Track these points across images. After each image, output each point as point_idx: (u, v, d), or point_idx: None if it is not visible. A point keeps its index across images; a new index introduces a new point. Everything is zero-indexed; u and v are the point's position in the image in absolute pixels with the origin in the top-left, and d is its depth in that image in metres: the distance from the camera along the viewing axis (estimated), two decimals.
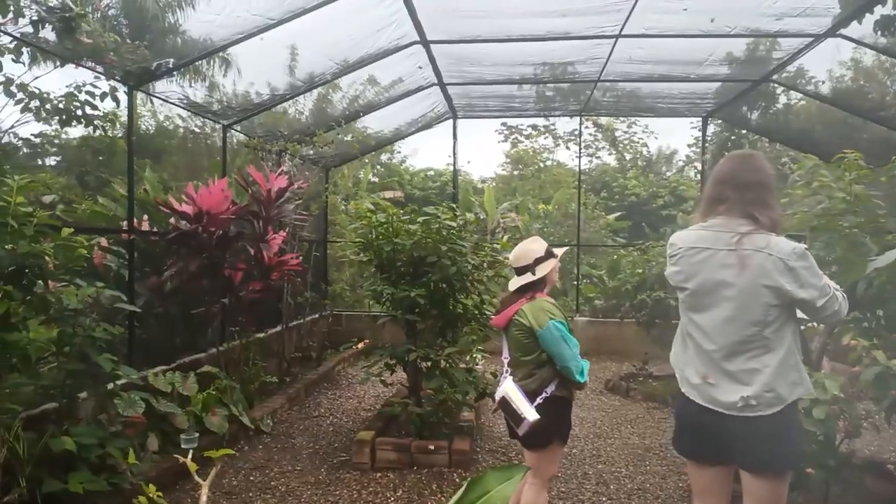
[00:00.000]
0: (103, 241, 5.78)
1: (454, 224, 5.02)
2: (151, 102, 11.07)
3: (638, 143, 17.76)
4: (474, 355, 5.96)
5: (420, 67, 7.33)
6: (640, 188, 16.31)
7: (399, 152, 20.22)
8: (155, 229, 6.16)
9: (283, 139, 7.40)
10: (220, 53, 6.81)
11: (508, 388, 3.30)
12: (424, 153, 31.22)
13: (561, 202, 13.37)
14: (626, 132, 17.05)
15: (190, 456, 2.43)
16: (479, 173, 22.37)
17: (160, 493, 2.48)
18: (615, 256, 9.88)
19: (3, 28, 4.27)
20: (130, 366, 4.63)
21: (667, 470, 4.86)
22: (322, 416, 6.27)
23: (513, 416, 3.26)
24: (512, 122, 16.26)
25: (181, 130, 13.09)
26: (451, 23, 6.33)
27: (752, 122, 9.53)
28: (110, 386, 4.24)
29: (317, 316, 9.03)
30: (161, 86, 6.10)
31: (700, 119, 9.84)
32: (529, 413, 3.18)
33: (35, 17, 4.40)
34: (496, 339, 5.74)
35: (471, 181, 17.53)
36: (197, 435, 4.80)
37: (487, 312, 5.36)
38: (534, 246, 3.47)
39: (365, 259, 5.50)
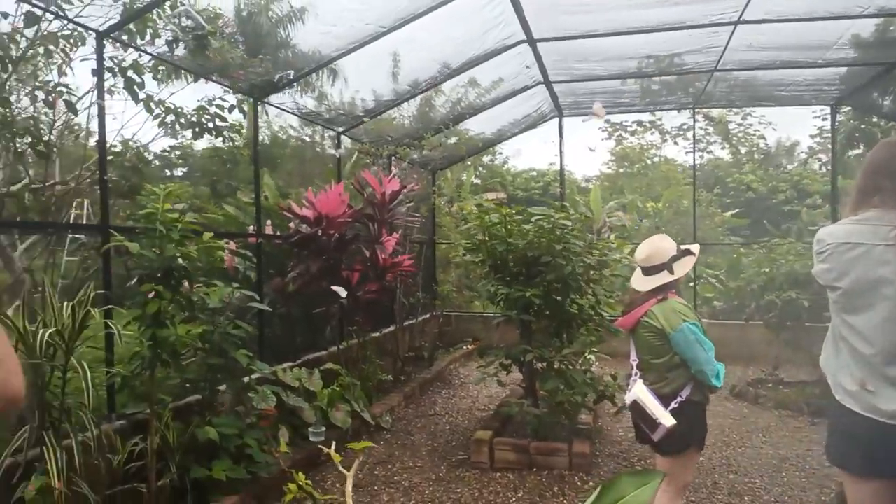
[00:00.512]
0: (231, 245, 6.16)
1: (568, 223, 4.94)
2: (266, 114, 11.70)
3: (754, 135, 16.78)
4: (588, 356, 5.84)
5: (528, 67, 7.28)
6: (758, 183, 15.41)
7: (501, 153, 20.20)
8: (277, 233, 6.48)
9: (393, 143, 7.58)
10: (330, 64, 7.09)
11: (640, 391, 3.17)
12: (527, 153, 31.04)
13: (671, 199, 12.86)
14: (740, 124, 16.16)
15: (333, 447, 2.52)
16: (582, 172, 21.97)
17: (309, 482, 2.59)
18: (735, 255, 9.36)
19: (143, 48, 4.63)
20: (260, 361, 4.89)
21: (807, 482, 4.54)
22: (438, 415, 6.35)
23: (646, 421, 3.13)
24: (616, 118, 15.81)
25: (293, 139, 13.76)
26: (557, 19, 6.24)
27: (884, 109, 8.74)
28: (246, 380, 4.49)
29: (428, 316, 9.18)
30: (276, 98, 6.43)
31: (825, 107, 9.14)
32: (665, 418, 3.04)
33: (170, 38, 4.76)
34: (610, 341, 5.62)
35: (575, 180, 17.24)
36: (324, 429, 5.01)
37: (603, 313, 5.23)
38: (666, 244, 3.31)
39: (477, 260, 5.53)
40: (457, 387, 7.55)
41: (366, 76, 7.04)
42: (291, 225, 6.18)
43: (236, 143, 5.84)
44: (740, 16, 6.02)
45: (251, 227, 6.15)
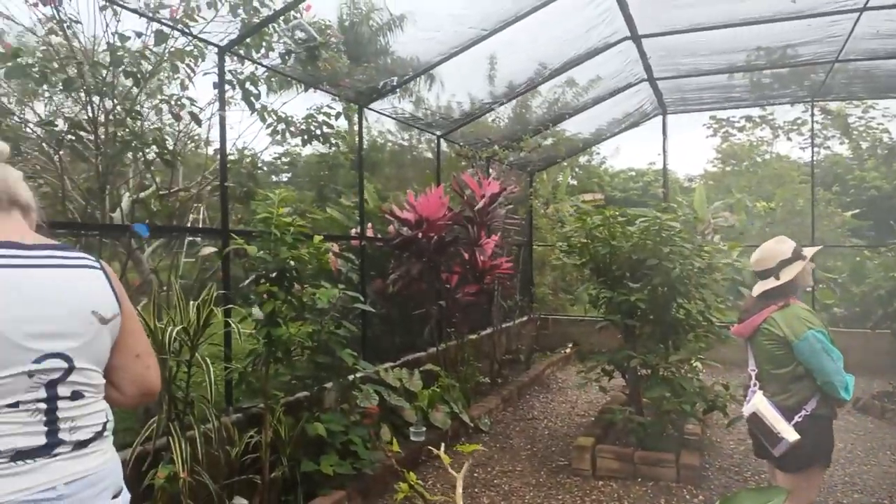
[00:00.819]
0: (335, 248, 6.37)
1: (676, 225, 4.76)
2: (367, 120, 12.04)
3: (877, 129, 15.48)
4: (694, 364, 5.60)
5: (634, 61, 7.07)
6: (882, 180, 14.22)
7: (598, 153, 19.77)
8: (378, 236, 6.65)
9: (491, 146, 7.58)
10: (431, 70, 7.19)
11: (760, 403, 2.99)
12: (625, 153, 30.20)
13: (784, 199, 12.10)
14: (860, 117, 14.96)
15: (442, 448, 2.54)
16: (685, 171, 21.10)
17: (420, 482, 2.62)
18: (858, 259, 8.69)
19: (259, 61, 4.86)
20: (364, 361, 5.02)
21: None
22: (536, 419, 6.29)
23: (766, 435, 2.95)
24: (722, 114, 15.05)
25: (391, 144, 14.07)
26: (663, 14, 6.04)
27: None
28: (350, 378, 4.62)
29: (525, 319, 9.12)
30: (377, 104, 6.59)
31: None
32: (788, 432, 2.86)
33: (283, 50, 4.98)
34: (720, 348, 5.35)
35: (677, 180, 16.59)
36: (424, 429, 5.08)
37: (713, 319, 4.99)
38: (778, 247, 3.12)
39: (577, 262, 5.43)
40: (555, 391, 7.45)
41: (464, 80, 7.09)
42: (391, 228, 6.32)
43: (341, 149, 6.03)
44: (867, 1, 5.59)
45: (354, 231, 6.34)
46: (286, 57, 5.02)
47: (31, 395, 1.44)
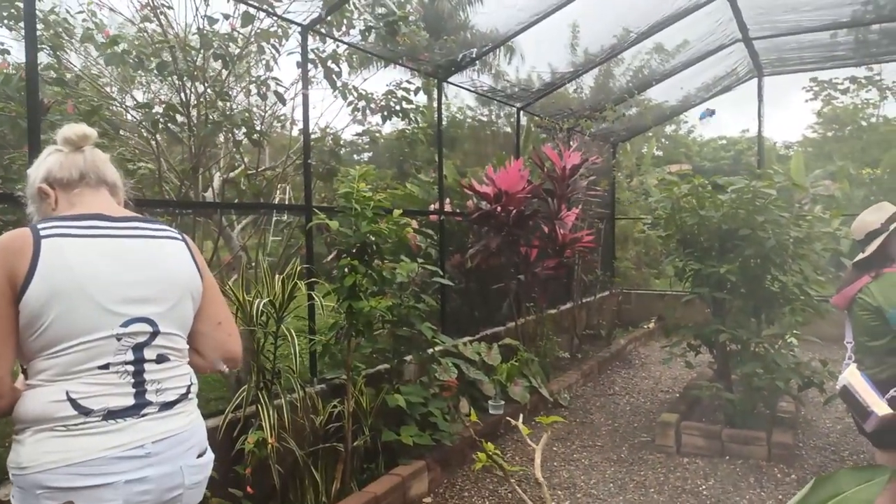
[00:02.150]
0: (414, 223, 6.42)
1: (772, 192, 4.49)
2: (445, 95, 12.00)
3: None
4: (788, 339, 5.31)
5: (727, 21, 6.69)
6: None
7: (686, 122, 18.92)
8: (457, 210, 6.65)
9: (573, 117, 7.40)
10: (510, 40, 7.06)
11: (851, 376, 2.84)
12: (715, 121, 28.67)
13: (892, 165, 11.19)
14: None
15: (521, 419, 2.55)
16: (782, 138, 19.86)
17: (498, 452, 2.64)
18: None
19: (340, 38, 4.92)
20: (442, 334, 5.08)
21: None
22: (617, 395, 6.18)
23: (856, 409, 2.80)
24: (823, 75, 13.98)
25: (469, 118, 13.99)
26: None
27: None
28: (430, 352, 4.69)
29: (606, 294, 8.94)
30: (456, 77, 6.54)
31: None
32: (878, 406, 2.69)
33: (363, 27, 5.02)
34: (819, 323, 5.05)
35: (772, 147, 15.65)
36: (503, 402, 5.10)
37: (811, 292, 4.71)
38: (869, 218, 2.99)
39: (662, 234, 5.24)
40: (637, 367, 7.28)
41: (544, 50, 6.92)
42: (470, 203, 6.31)
43: (420, 125, 6.05)
44: None
45: (432, 206, 6.37)
46: (366, 33, 5.05)
47: (120, 357, 1.54)
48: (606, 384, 6.56)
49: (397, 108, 5.69)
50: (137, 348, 1.57)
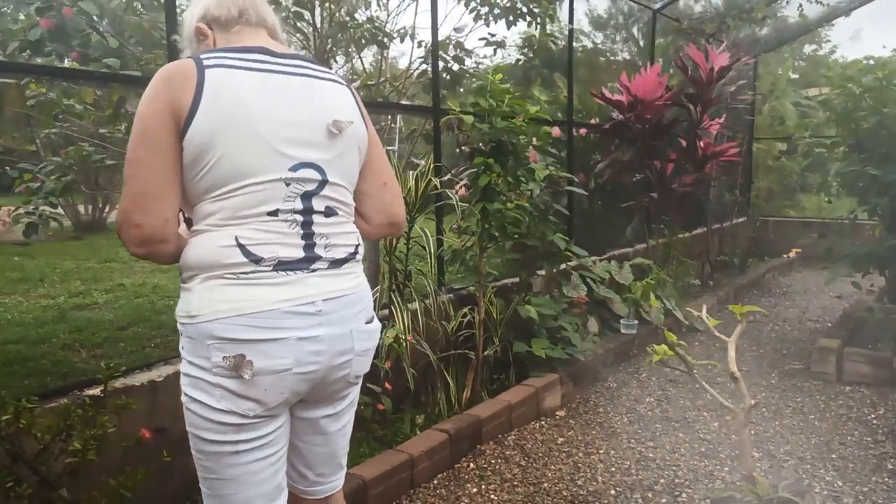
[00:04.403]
0: (534, 140, 6.07)
1: None
2: None
3: None
4: None
5: None
6: None
7: (828, 40, 17.03)
8: (585, 122, 6.21)
9: (716, 20, 6.66)
10: None
11: None
12: (864, 40, 25.58)
13: None
14: None
15: (704, 310, 2.27)
16: None
17: (682, 342, 2.42)
18: None
19: None
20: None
21: None
22: (759, 322, 5.71)
23: None
24: None
25: (600, 23, 13.07)
26: None
27: None
28: (562, 266, 4.45)
29: (741, 220, 8.26)
30: None
31: None
32: None
33: None
34: None
35: None
36: (637, 322, 4.81)
37: None
38: None
39: (827, 143, 4.64)
40: (778, 296, 6.71)
41: None
42: (593, 121, 5.87)
43: (546, 30, 5.63)
44: None
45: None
46: None
47: (289, 204, 1.38)
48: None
49: (524, 9, 5.30)
50: (306, 196, 1.41)
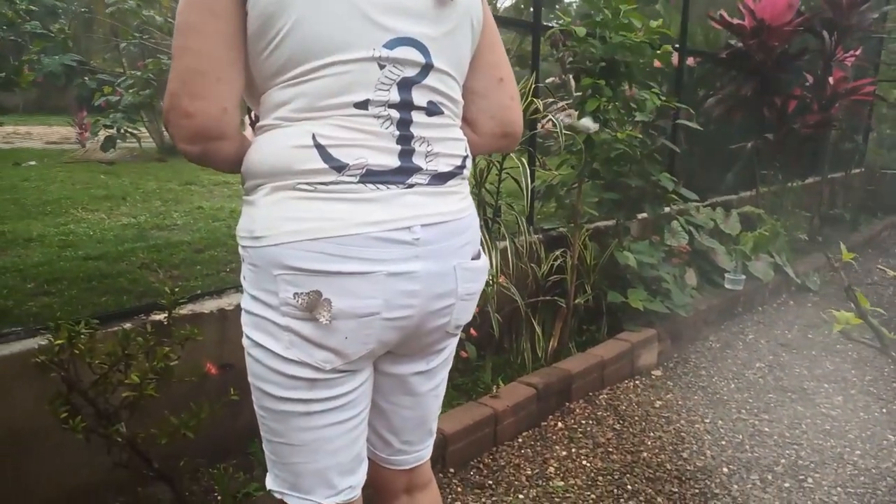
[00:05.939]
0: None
1: None
2: None
3: None
4: None
5: None
6: None
7: None
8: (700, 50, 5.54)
9: None
10: None
11: None
12: None
13: None
14: None
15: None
16: None
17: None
18: None
19: None
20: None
21: None
22: (878, 284, 5.11)
23: None
24: None
25: None
26: None
27: None
28: (666, 210, 3.99)
29: (857, 171, 7.41)
30: None
31: None
32: None
33: None
34: None
35: None
36: (744, 277, 4.32)
37: None
38: None
39: None
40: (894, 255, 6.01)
41: None
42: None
43: None
44: None
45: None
46: None
47: (382, 95, 1.02)
48: (861, 272, 5.43)
49: None
50: (404, 85, 1.04)
